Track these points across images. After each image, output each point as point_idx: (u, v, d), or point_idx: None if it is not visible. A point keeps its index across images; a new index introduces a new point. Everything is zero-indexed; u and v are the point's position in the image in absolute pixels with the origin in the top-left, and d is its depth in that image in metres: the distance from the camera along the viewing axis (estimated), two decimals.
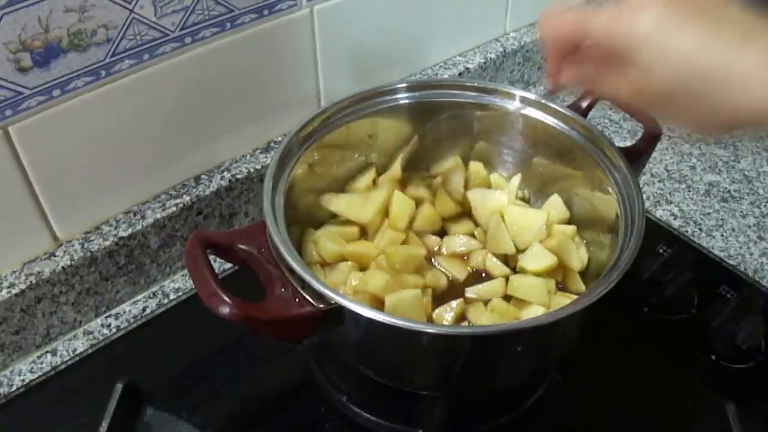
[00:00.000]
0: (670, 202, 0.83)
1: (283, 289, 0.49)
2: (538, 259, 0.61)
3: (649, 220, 0.78)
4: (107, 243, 0.67)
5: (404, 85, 0.66)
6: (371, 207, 0.64)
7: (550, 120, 0.64)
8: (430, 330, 0.48)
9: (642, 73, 0.42)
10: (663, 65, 0.41)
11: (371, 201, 0.65)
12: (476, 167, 0.70)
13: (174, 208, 0.71)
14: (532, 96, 0.65)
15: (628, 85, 0.44)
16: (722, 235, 0.78)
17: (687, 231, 0.79)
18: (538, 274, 0.61)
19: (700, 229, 0.79)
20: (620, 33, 0.42)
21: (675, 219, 0.81)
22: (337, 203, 0.65)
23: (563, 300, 0.59)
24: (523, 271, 0.62)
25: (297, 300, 0.48)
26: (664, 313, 0.69)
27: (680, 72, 0.41)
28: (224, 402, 0.63)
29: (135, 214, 0.70)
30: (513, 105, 0.66)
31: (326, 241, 0.62)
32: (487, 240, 0.65)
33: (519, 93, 0.66)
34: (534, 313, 0.58)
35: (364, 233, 0.65)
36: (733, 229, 0.79)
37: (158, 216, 0.70)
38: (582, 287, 0.61)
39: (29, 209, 0.63)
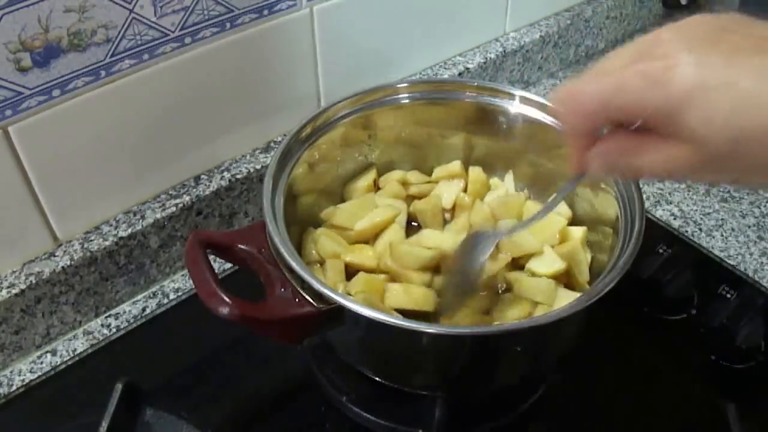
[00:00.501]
0: (670, 202, 0.83)
1: (282, 289, 0.49)
2: (547, 263, 0.61)
3: (649, 220, 0.78)
4: (107, 243, 0.67)
5: (404, 84, 0.67)
6: (370, 221, 0.64)
7: (549, 120, 0.64)
8: (430, 330, 0.48)
9: (694, 140, 0.35)
10: (718, 123, 0.34)
11: (372, 216, 0.64)
12: (476, 172, 0.69)
13: (174, 208, 0.71)
14: (532, 96, 0.65)
15: (677, 160, 0.37)
16: (722, 235, 0.78)
17: (687, 231, 0.79)
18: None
19: (700, 229, 0.79)
20: (656, 99, 0.35)
21: (675, 219, 0.81)
22: (338, 216, 0.65)
23: (565, 294, 0.59)
24: (531, 273, 0.62)
25: (297, 300, 0.48)
26: (664, 313, 0.69)
27: (742, 123, 0.34)
28: (224, 402, 0.63)
29: (135, 214, 0.70)
30: (513, 105, 0.66)
31: (326, 240, 0.62)
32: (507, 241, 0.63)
33: (519, 93, 0.66)
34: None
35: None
36: (733, 229, 0.79)
37: (158, 216, 0.70)
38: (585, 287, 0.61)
39: (29, 209, 0.63)
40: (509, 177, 0.70)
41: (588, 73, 0.39)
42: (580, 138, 0.41)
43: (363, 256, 0.61)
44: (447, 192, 0.69)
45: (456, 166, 0.70)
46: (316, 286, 0.47)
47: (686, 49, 0.35)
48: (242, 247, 0.53)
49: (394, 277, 0.60)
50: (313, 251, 0.62)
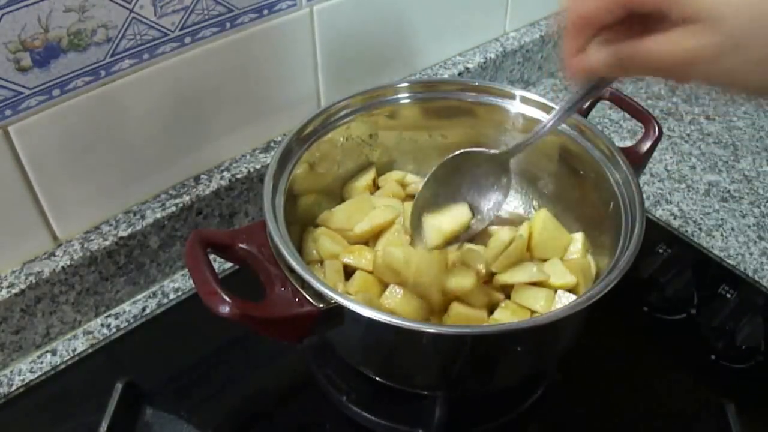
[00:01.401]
0: (670, 202, 0.83)
1: (282, 289, 0.49)
2: (557, 275, 0.60)
3: (649, 220, 0.78)
4: (107, 243, 0.67)
5: (404, 84, 0.66)
6: (370, 223, 0.64)
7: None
8: (430, 330, 0.48)
9: (710, 19, 0.34)
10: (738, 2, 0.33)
11: (371, 218, 0.64)
12: None
13: (174, 208, 0.71)
14: (532, 96, 0.65)
15: (689, 41, 0.35)
16: (722, 235, 0.78)
17: (687, 231, 0.79)
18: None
19: (700, 229, 0.79)
20: None
21: (675, 219, 0.81)
22: (334, 220, 0.64)
23: (565, 294, 0.59)
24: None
25: (297, 299, 0.48)
26: (664, 313, 0.69)
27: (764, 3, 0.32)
28: (224, 402, 0.63)
29: (135, 214, 0.70)
30: (513, 105, 0.66)
31: (326, 240, 0.62)
32: (534, 246, 0.63)
33: (519, 93, 0.66)
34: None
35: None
36: (733, 229, 0.79)
37: (158, 216, 0.70)
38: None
39: (29, 209, 0.63)
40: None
41: None
42: (581, 37, 0.39)
43: (360, 258, 0.61)
44: None
45: None
46: (316, 285, 0.47)
47: None
48: (242, 246, 0.53)
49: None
50: (314, 251, 0.62)
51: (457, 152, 0.58)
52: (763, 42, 0.34)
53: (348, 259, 0.61)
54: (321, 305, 0.48)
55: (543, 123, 0.54)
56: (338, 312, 0.48)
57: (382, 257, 0.57)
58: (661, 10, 0.35)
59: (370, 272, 0.60)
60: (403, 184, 0.70)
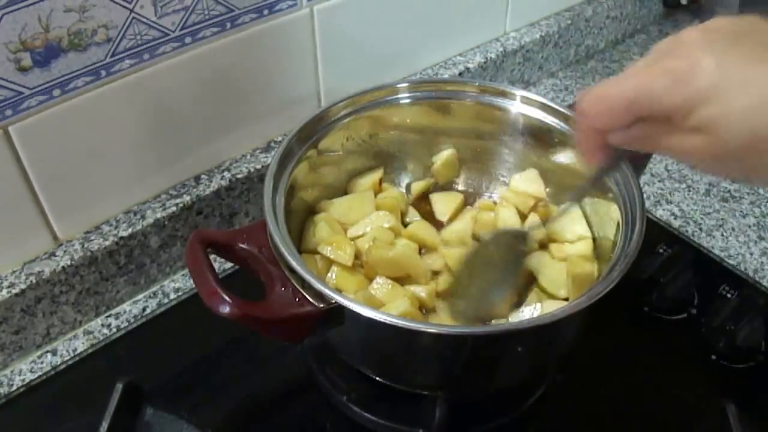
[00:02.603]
0: (670, 202, 0.83)
1: (283, 289, 0.49)
2: (560, 287, 0.61)
3: (649, 219, 0.78)
4: (107, 243, 0.67)
5: (405, 84, 0.67)
6: (364, 226, 0.64)
7: (550, 120, 0.64)
8: (431, 330, 0.48)
9: (711, 133, 0.37)
10: (735, 118, 0.36)
11: (368, 221, 0.64)
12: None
13: (174, 208, 0.71)
14: (533, 96, 0.65)
15: (693, 148, 0.39)
16: (722, 235, 0.78)
17: (687, 231, 0.79)
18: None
19: (700, 229, 0.79)
20: (679, 95, 0.37)
21: (675, 219, 0.81)
22: (333, 210, 0.65)
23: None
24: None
25: (297, 299, 0.48)
26: (664, 313, 0.69)
27: (758, 119, 0.36)
28: (224, 402, 0.63)
29: (135, 214, 0.70)
30: (513, 105, 0.66)
31: (323, 226, 0.62)
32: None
33: (520, 93, 0.66)
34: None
35: None
36: (733, 229, 0.79)
37: (158, 216, 0.70)
38: None
39: (29, 209, 0.63)
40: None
41: (613, 77, 0.41)
42: (599, 137, 0.43)
43: (340, 254, 0.60)
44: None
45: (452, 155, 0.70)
46: (317, 285, 0.47)
47: (708, 48, 0.37)
48: (243, 246, 0.53)
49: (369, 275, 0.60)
50: (314, 237, 0.62)
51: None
52: (757, 154, 0.37)
53: (327, 251, 0.60)
54: (321, 305, 0.48)
55: (564, 206, 0.58)
56: (339, 312, 0.48)
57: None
58: (668, 118, 0.39)
59: (349, 266, 0.60)
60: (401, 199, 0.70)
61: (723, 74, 0.36)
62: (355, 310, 0.46)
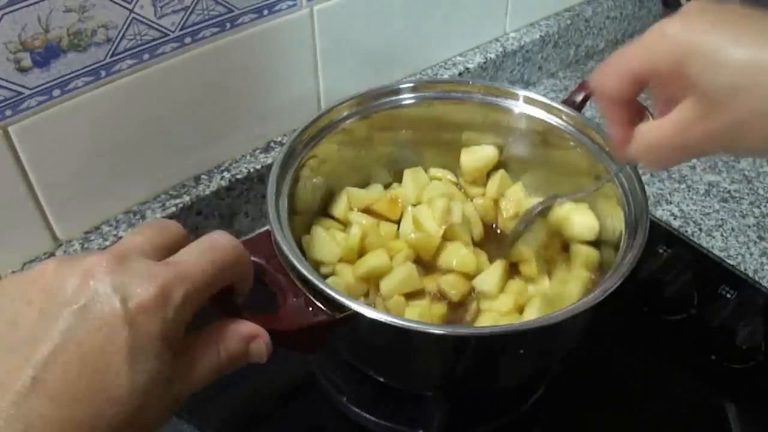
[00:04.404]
0: (670, 202, 0.83)
1: (295, 299, 0.48)
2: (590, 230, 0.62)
3: (650, 220, 0.78)
4: (107, 243, 0.67)
5: (406, 85, 0.66)
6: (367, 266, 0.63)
7: (553, 119, 0.64)
8: (437, 331, 0.47)
9: (697, 91, 0.39)
10: (723, 74, 0.38)
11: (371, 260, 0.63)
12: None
13: (174, 208, 0.71)
14: (536, 96, 0.65)
15: (684, 112, 0.41)
16: (722, 235, 0.78)
17: (687, 231, 0.79)
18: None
19: (700, 229, 0.79)
20: (662, 50, 0.40)
21: (675, 219, 0.81)
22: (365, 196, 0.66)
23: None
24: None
25: (311, 309, 0.47)
26: (664, 313, 0.69)
27: (746, 78, 0.37)
28: (224, 402, 0.62)
29: (135, 214, 0.70)
30: (515, 104, 0.66)
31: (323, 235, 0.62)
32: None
33: (521, 92, 0.66)
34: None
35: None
36: (733, 229, 0.79)
37: (158, 216, 0.70)
38: None
39: (29, 209, 0.63)
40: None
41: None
42: (620, 110, 0.45)
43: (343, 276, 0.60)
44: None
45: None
46: (330, 293, 0.46)
47: (687, 18, 0.40)
48: (252, 259, 0.52)
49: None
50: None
51: None
52: (741, 106, 0.38)
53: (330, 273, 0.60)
54: (335, 313, 0.46)
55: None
56: (353, 319, 0.47)
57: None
58: (666, 87, 0.42)
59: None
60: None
61: (692, 33, 0.39)
62: (371, 316, 0.46)
